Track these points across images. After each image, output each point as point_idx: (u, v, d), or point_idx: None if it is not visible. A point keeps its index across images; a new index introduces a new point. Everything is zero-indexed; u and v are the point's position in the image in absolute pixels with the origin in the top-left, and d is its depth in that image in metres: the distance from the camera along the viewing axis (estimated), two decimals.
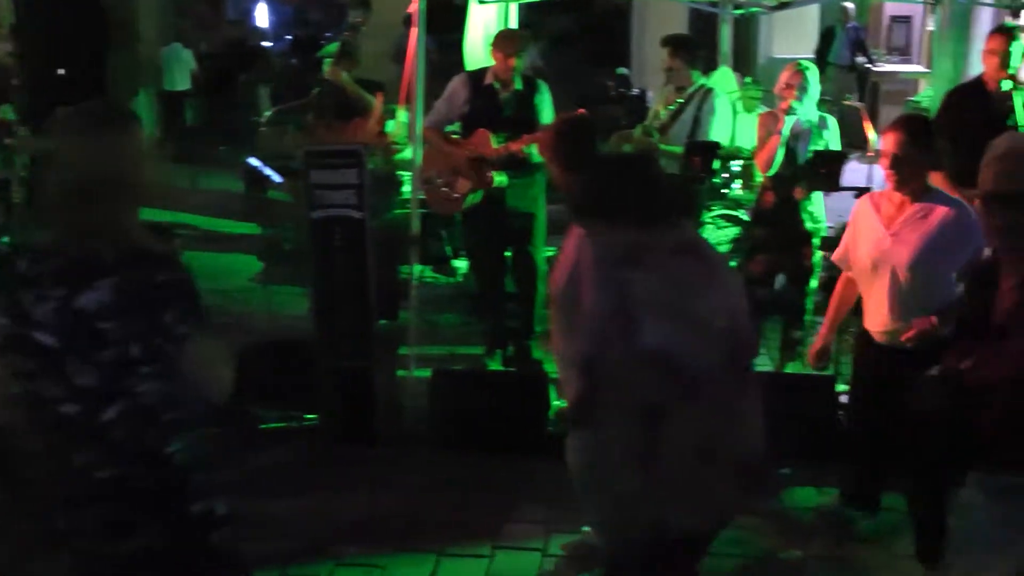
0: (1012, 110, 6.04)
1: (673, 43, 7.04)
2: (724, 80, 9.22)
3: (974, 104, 6.20)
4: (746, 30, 15.92)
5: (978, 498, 3.11)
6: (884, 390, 4.41)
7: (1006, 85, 6.06)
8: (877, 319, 4.42)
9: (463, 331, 7.44)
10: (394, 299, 6.95)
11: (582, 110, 5.77)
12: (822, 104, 6.56)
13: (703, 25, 12.42)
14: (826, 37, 15.44)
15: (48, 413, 2.51)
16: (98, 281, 2.47)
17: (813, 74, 6.16)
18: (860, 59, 15.45)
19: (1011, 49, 6.01)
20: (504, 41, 6.32)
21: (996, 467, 3.02)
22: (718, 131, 6.92)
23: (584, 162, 4.35)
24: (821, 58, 15.22)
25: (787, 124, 6.07)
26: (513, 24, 8.01)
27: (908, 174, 4.22)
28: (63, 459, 2.52)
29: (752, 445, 3.21)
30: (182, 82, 14.74)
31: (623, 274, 3.12)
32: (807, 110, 6.12)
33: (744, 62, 14.74)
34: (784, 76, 6.19)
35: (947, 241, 4.17)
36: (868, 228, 4.43)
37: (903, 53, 16.95)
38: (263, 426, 5.89)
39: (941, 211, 4.22)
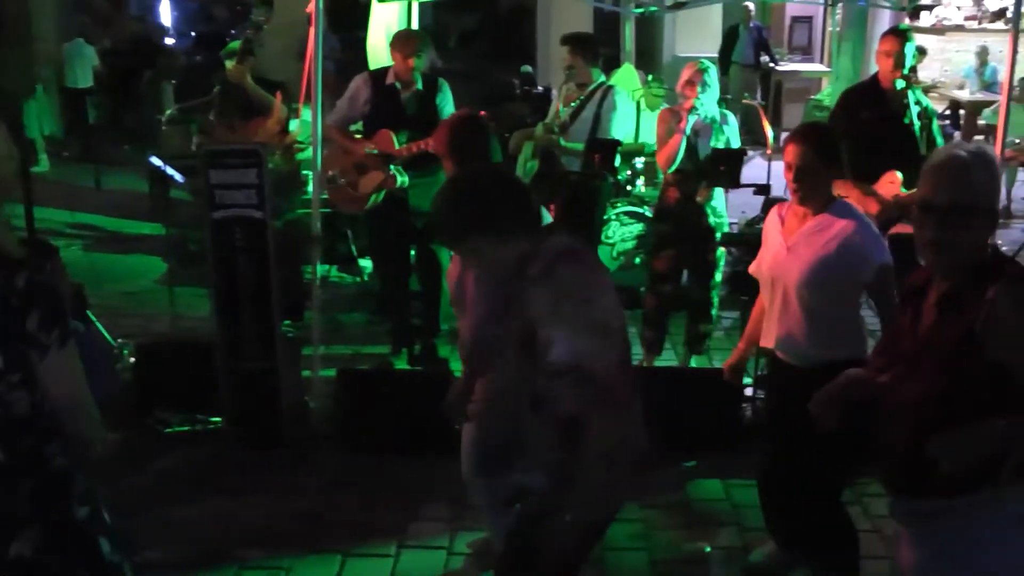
0: (907, 108, 6.20)
1: (572, 41, 7.07)
2: (627, 78, 9.35)
3: (870, 103, 6.34)
4: (651, 29, 16.11)
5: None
6: (786, 407, 4.19)
7: (900, 84, 6.22)
8: (772, 335, 4.21)
9: (369, 330, 7.42)
10: (299, 299, 6.92)
11: (483, 112, 5.81)
12: (723, 102, 6.65)
13: (607, 23, 12.52)
14: (730, 36, 15.69)
15: None
16: None
17: (713, 72, 6.27)
18: (763, 58, 15.72)
19: (904, 50, 6.16)
20: (402, 42, 6.31)
21: (902, 489, 2.96)
22: (619, 128, 6.97)
23: (477, 160, 4.36)
24: (725, 57, 15.47)
25: (689, 122, 6.16)
26: (415, 23, 8.01)
27: (811, 186, 4.01)
28: None
29: (642, 440, 3.24)
30: (84, 79, 14.39)
31: (511, 288, 3.12)
32: (708, 107, 6.22)
33: (649, 60, 14.92)
34: (685, 74, 6.28)
35: (842, 257, 3.92)
36: (772, 241, 4.25)
37: (805, 52, 17.32)
38: (167, 430, 5.82)
39: (839, 225, 3.98)
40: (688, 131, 6.16)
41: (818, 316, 3.99)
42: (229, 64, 6.95)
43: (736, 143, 6.34)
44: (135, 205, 10.57)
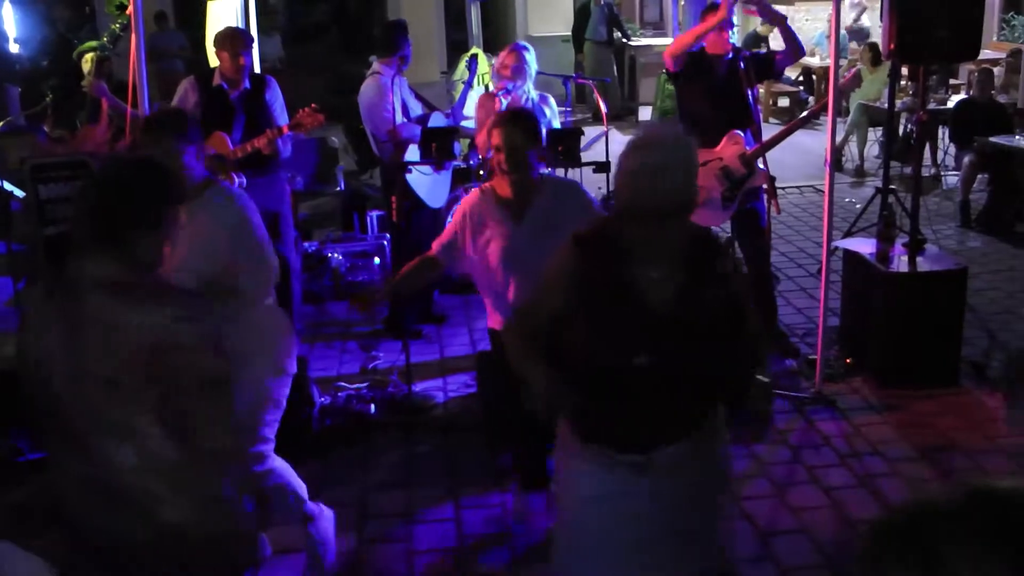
0: (736, 72, 6.33)
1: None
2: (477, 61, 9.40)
3: (701, 72, 6.44)
4: (502, 11, 16.17)
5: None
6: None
7: (728, 53, 6.34)
8: None
9: None
10: None
11: (313, 104, 5.77)
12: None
13: (458, 8, 12.53)
14: (581, 14, 15.76)
15: None
16: None
17: (530, 55, 6.30)
18: (616, 34, 15.83)
19: (728, 17, 6.25)
20: (224, 40, 6.18)
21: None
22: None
23: None
24: (578, 35, 15.56)
25: (503, 104, 6.19)
26: (252, 18, 7.88)
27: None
28: None
29: None
30: None
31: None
32: (525, 89, 6.26)
33: (503, 43, 14.94)
34: (500, 57, 6.33)
35: None
36: None
37: (656, 27, 17.51)
38: (21, 459, 5.65)
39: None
40: None
41: None
42: (85, 65, 6.66)
43: (556, 124, 6.40)
44: None
